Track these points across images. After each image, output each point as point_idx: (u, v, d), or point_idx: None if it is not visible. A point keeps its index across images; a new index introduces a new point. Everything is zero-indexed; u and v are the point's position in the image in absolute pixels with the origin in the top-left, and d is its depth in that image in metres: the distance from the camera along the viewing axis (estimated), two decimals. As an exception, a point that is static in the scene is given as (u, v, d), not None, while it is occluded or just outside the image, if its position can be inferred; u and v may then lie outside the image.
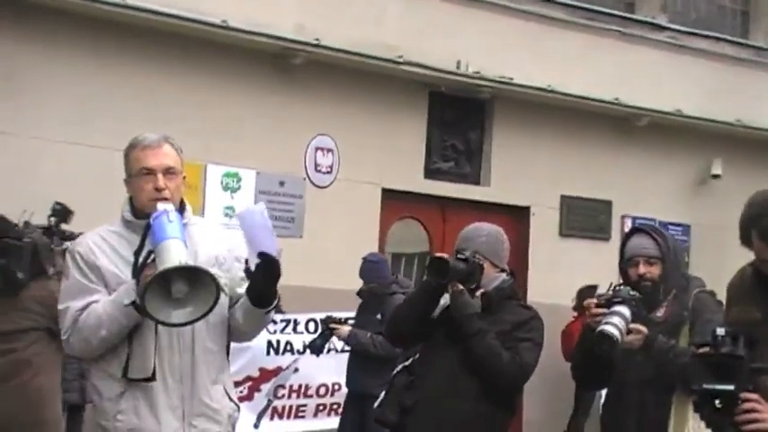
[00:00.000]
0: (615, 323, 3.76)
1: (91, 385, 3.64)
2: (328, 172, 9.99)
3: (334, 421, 8.56)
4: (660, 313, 4.02)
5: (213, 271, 3.53)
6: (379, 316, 7.42)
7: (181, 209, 3.62)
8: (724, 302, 3.92)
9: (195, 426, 3.53)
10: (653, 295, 3.98)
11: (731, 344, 2.93)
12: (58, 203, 6.73)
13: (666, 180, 11.76)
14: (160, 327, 3.43)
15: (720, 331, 2.94)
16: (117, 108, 8.88)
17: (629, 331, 3.83)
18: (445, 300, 4.40)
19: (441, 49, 10.20)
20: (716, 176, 11.90)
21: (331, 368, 8.43)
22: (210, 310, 3.34)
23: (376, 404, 5.07)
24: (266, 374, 8.29)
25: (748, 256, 3.36)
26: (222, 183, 9.20)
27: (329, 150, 9.98)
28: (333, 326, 7.67)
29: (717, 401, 2.92)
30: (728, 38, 12.44)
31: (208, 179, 9.09)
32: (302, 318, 8.30)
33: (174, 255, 3.28)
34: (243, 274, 3.59)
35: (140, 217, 3.56)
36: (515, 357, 4.28)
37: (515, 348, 4.29)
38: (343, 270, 9.65)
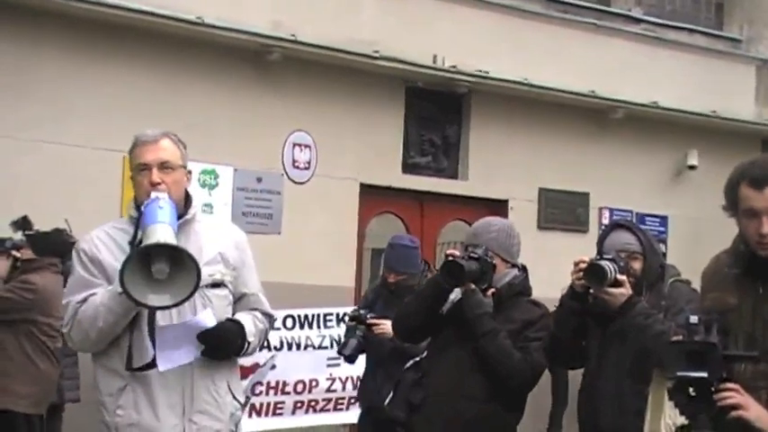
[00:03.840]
0: (606, 262, 3.89)
1: (94, 382, 3.63)
2: (306, 168, 9.98)
3: (312, 418, 8.56)
4: None
5: (216, 268, 3.56)
6: None
7: (186, 203, 3.63)
8: (698, 291, 3.96)
9: (195, 422, 3.52)
10: (635, 289, 3.99)
11: (704, 331, 2.95)
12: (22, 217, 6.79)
13: (643, 172, 11.82)
14: (160, 318, 3.42)
15: (693, 319, 2.95)
16: (93, 106, 8.86)
17: (616, 283, 3.86)
18: (455, 294, 4.33)
19: (417, 43, 10.21)
20: (692, 167, 11.98)
21: (309, 364, 8.42)
22: (190, 295, 3.30)
23: (387, 401, 5.03)
24: (244, 371, 8.23)
25: (725, 246, 3.38)
26: (200, 180, 9.17)
27: (306, 146, 9.97)
28: (372, 321, 6.04)
29: (691, 389, 2.94)
30: (703, 30, 12.51)
31: (185, 176, 9.05)
32: (280, 314, 8.27)
33: (158, 234, 3.26)
34: (249, 273, 3.70)
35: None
36: (527, 357, 4.24)
37: (526, 348, 4.25)
38: (321, 266, 9.67)
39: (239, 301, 3.69)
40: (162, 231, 3.28)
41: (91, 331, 3.47)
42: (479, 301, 4.23)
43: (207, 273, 3.47)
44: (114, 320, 3.43)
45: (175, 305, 3.34)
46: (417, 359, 4.63)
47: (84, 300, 3.49)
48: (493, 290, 4.32)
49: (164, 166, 3.55)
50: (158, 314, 3.44)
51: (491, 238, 4.37)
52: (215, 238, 3.66)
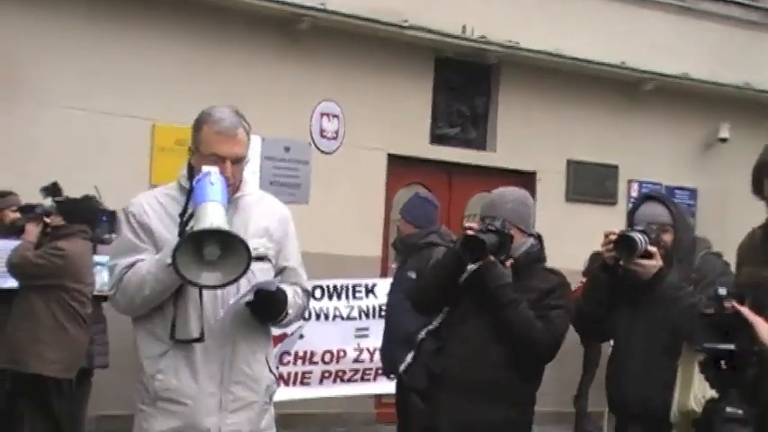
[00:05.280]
0: (637, 234, 3.88)
1: (133, 344, 3.65)
2: (334, 138, 9.97)
3: (339, 389, 8.59)
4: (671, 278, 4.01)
5: (261, 242, 3.57)
6: (413, 274, 6.04)
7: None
8: (731, 264, 3.93)
9: (232, 392, 3.53)
10: (665, 262, 3.96)
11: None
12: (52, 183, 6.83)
13: (673, 144, 11.72)
14: (204, 291, 3.44)
15: (722, 291, 2.93)
16: (122, 74, 8.89)
17: (646, 255, 3.84)
18: (472, 264, 4.32)
19: (446, 13, 10.14)
20: (723, 140, 11.86)
21: (337, 335, 8.45)
22: (240, 276, 3.33)
23: (402, 368, 5.03)
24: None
25: (754, 220, 3.35)
26: (228, 149, 9.17)
27: (335, 116, 9.95)
28: None
29: (722, 362, 2.92)
30: (737, 0, 12.33)
31: (213, 145, 9.06)
32: (308, 284, 8.28)
33: (210, 217, 3.27)
34: (291, 247, 3.70)
35: None
36: (548, 326, 4.23)
37: (547, 317, 4.24)
38: (348, 236, 9.68)
39: (280, 273, 3.70)
40: (213, 213, 3.29)
41: (136, 297, 3.49)
42: (500, 273, 4.23)
43: (252, 246, 3.46)
44: (161, 290, 3.45)
45: (225, 285, 3.36)
46: (431, 327, 4.60)
47: (131, 265, 3.51)
48: (511, 260, 4.31)
49: (237, 160, 3.56)
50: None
51: (508, 209, 4.36)
52: (261, 213, 3.67)
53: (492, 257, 4.21)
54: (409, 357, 4.71)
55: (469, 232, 4.14)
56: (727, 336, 2.90)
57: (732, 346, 2.90)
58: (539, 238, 4.51)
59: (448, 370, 4.30)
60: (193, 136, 3.61)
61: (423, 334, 4.66)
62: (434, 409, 4.34)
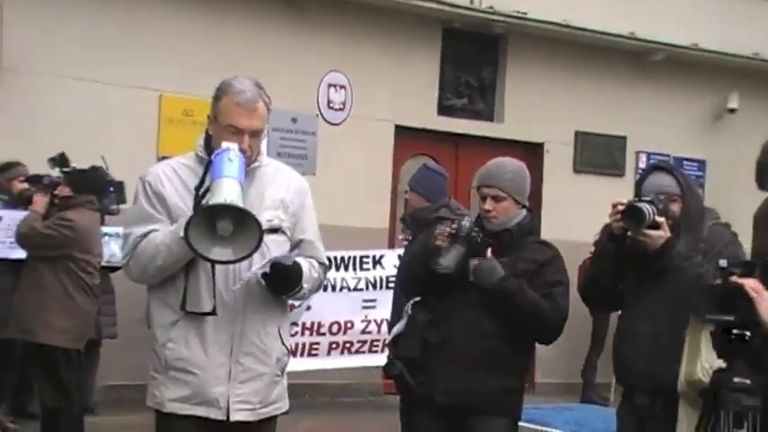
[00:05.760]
0: (645, 204, 3.87)
1: (147, 312, 3.68)
2: (341, 109, 9.95)
3: (347, 360, 8.62)
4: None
5: (276, 213, 3.56)
6: None
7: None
8: (739, 234, 3.92)
9: (242, 363, 3.54)
10: (673, 232, 3.96)
11: (741, 274, 2.93)
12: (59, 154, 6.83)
13: (682, 115, 11.67)
14: (217, 265, 3.44)
15: (722, 262, 2.94)
16: (128, 45, 8.87)
17: (654, 225, 3.85)
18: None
19: (454, -17, 10.08)
20: (732, 111, 11.80)
21: (344, 306, 8.47)
22: (251, 254, 3.35)
23: (389, 339, 5.02)
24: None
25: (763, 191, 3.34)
26: (235, 120, 9.16)
27: (342, 87, 9.93)
28: None
29: (734, 333, 2.93)
30: (747, -30, 12.24)
31: (220, 116, 9.05)
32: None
33: (225, 192, 3.28)
34: (308, 220, 3.70)
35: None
36: (555, 306, 4.26)
37: (552, 296, 4.27)
38: (355, 208, 9.67)
39: (296, 246, 3.69)
40: (228, 189, 3.29)
41: (149, 267, 3.51)
42: (492, 268, 4.22)
43: (266, 218, 3.50)
44: (174, 261, 3.47)
45: (235, 261, 3.38)
46: (418, 299, 4.60)
47: (145, 235, 3.52)
48: (505, 228, 4.33)
49: (255, 133, 3.55)
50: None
51: (506, 179, 4.38)
52: (277, 185, 3.67)
53: (489, 254, 4.19)
54: (398, 328, 4.69)
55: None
56: (729, 307, 2.90)
57: (732, 318, 2.91)
58: (530, 210, 4.52)
59: (444, 339, 4.31)
60: (213, 105, 3.61)
61: (409, 306, 4.63)
62: (429, 379, 4.36)
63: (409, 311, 4.61)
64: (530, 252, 4.37)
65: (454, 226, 4.28)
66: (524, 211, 4.46)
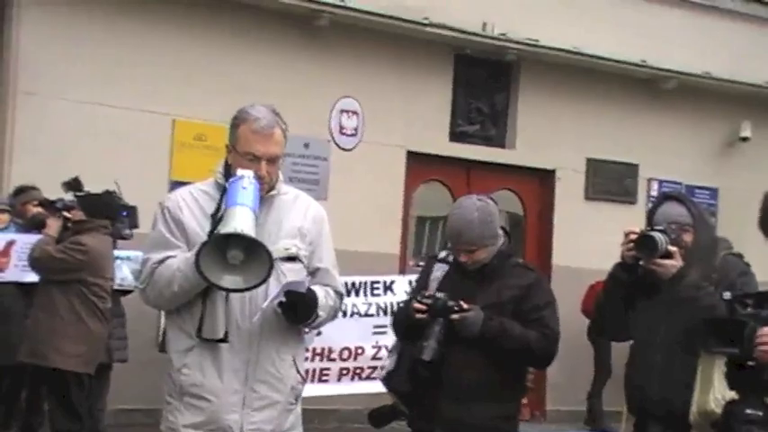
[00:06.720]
0: (657, 233, 3.89)
1: (163, 337, 3.73)
2: (353, 134, 9.97)
3: (358, 386, 8.58)
4: None
5: (293, 242, 3.58)
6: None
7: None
8: (751, 264, 3.91)
9: (257, 391, 3.55)
10: (685, 262, 3.95)
11: (739, 308, 2.93)
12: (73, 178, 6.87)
13: (694, 143, 11.65)
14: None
15: (726, 295, 2.94)
16: (142, 69, 8.92)
17: (666, 255, 3.86)
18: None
19: (466, 10, 10.13)
20: (744, 139, 11.78)
21: (355, 332, 8.44)
22: (261, 283, 3.36)
23: (382, 374, 4.99)
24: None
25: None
26: (247, 145, 9.19)
27: (354, 113, 9.96)
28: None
29: (743, 366, 2.92)
30: (759, -2, 12.27)
31: (233, 141, 9.09)
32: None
33: (236, 221, 3.30)
34: (326, 249, 3.72)
35: None
36: (544, 331, 4.27)
37: (541, 321, 4.28)
38: (367, 233, 9.68)
39: (313, 275, 3.71)
40: (241, 218, 3.31)
41: (165, 292, 3.54)
42: (471, 322, 4.20)
43: (283, 246, 3.52)
44: (189, 287, 3.49)
45: (247, 289, 3.39)
46: None
47: (163, 261, 3.55)
48: (483, 263, 4.32)
49: (272, 159, 3.57)
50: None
51: (475, 236, 4.28)
52: (295, 213, 3.68)
53: (465, 309, 4.18)
54: (391, 363, 4.68)
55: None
56: (730, 339, 2.90)
57: (736, 351, 2.91)
58: (507, 233, 4.50)
59: (437, 373, 4.30)
60: (230, 134, 3.64)
61: (398, 342, 4.63)
62: (424, 412, 4.37)
63: (398, 348, 4.62)
64: (513, 277, 4.36)
65: (428, 301, 4.23)
66: (501, 239, 4.42)
